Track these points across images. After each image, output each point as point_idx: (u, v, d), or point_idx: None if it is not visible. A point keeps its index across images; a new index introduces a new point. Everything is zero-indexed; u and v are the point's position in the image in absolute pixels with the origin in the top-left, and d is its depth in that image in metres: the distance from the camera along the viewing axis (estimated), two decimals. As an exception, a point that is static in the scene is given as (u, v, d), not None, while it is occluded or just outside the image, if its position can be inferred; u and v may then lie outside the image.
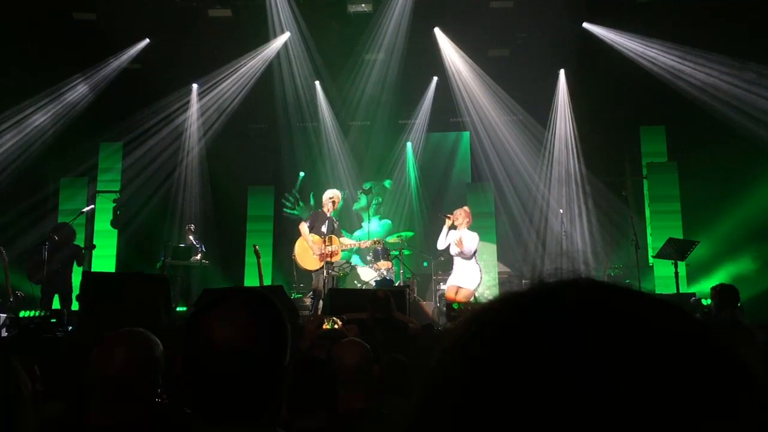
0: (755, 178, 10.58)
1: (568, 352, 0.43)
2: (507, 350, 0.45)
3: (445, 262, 11.55)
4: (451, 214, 9.17)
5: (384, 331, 5.31)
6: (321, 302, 8.82)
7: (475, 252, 9.04)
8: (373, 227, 12.73)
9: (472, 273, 9.00)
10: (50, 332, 7.21)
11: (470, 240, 9.00)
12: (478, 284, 9.06)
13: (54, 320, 7.66)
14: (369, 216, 12.62)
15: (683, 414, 0.41)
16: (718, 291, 5.94)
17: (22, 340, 6.87)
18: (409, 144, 13.59)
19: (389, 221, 13.27)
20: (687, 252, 8.85)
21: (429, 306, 10.16)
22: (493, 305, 0.50)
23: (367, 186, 13.23)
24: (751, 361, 0.47)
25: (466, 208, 9.38)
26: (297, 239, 9.88)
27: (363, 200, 13.29)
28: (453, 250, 9.12)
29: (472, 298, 8.94)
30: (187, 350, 1.31)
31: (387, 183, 13.59)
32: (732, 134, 10.63)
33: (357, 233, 12.71)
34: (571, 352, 0.43)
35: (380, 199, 13.14)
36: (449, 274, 10.69)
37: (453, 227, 9.11)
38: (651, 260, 11.12)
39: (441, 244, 9.23)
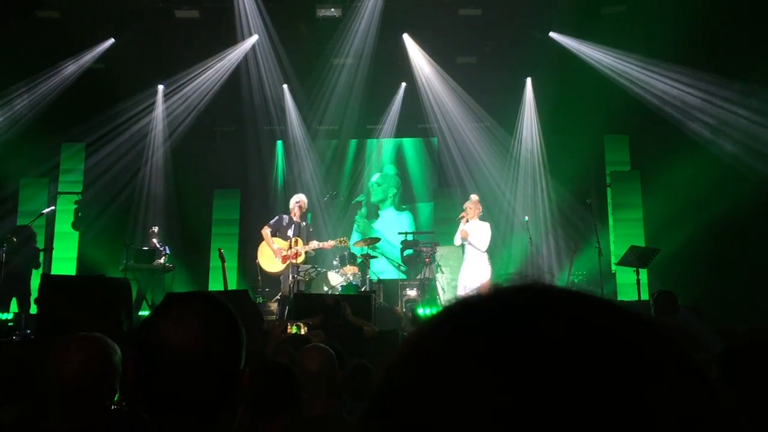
0: (715, 188, 10.80)
1: (510, 355, 0.44)
2: (451, 353, 0.46)
3: (413, 269, 11.61)
4: (464, 211, 9.20)
5: (338, 336, 5.30)
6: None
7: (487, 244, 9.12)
8: (390, 216, 13.07)
9: (482, 268, 8.98)
10: (6, 336, 7.06)
11: (483, 231, 9.07)
12: (487, 278, 9.01)
13: (11, 324, 7.51)
14: (385, 206, 13.22)
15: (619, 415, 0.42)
16: (655, 298, 5.82)
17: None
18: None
19: (408, 212, 13.54)
20: (648, 260, 9.00)
21: (398, 311, 10.19)
22: (446, 309, 0.50)
23: (374, 181, 13.59)
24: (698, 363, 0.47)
25: (473, 197, 9.42)
26: (259, 243, 9.84)
27: (379, 193, 13.52)
28: (457, 241, 9.20)
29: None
30: (139, 354, 1.30)
31: (389, 169, 13.67)
32: (693, 144, 10.86)
33: (374, 224, 13.30)
34: (514, 354, 0.44)
35: (395, 190, 13.40)
36: (416, 281, 10.73)
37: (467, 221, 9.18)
38: (614, 267, 11.28)
39: (456, 241, 9.27)
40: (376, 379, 0.49)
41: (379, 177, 13.67)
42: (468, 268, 9.10)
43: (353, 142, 13.72)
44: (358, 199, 13.38)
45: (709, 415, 0.44)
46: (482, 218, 9.27)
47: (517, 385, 0.42)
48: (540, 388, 0.42)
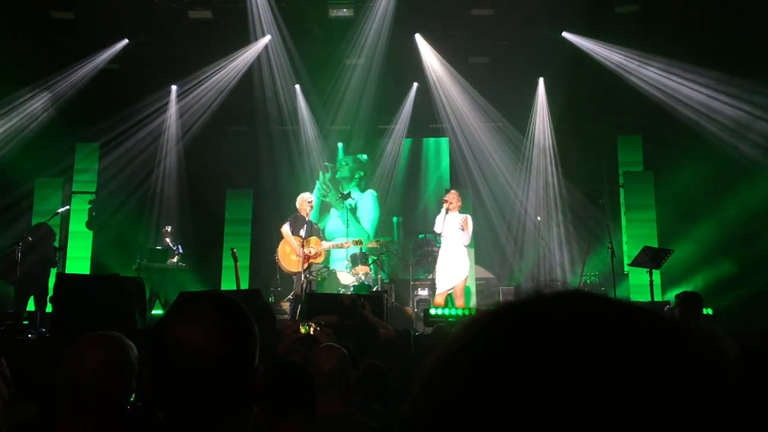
0: (729, 188, 10.73)
1: (556, 366, 0.44)
2: (495, 361, 0.46)
3: (423, 268, 11.60)
4: (446, 200, 9.21)
5: (353, 336, 5.30)
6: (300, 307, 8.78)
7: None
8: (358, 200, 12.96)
9: (462, 259, 9.02)
10: (22, 334, 7.11)
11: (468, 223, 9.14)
12: (468, 270, 9.14)
13: (26, 322, 7.57)
14: (347, 187, 13.01)
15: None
16: (681, 299, 5.83)
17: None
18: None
19: (374, 192, 13.43)
20: (662, 260, 8.94)
21: (408, 311, 10.20)
22: (486, 315, 0.51)
23: (345, 162, 13.56)
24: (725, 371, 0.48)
25: (454, 191, 9.43)
26: (278, 242, 9.82)
27: (346, 171, 13.53)
28: (446, 231, 9.11)
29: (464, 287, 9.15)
30: (153, 354, 1.31)
31: (362, 157, 13.65)
32: (706, 144, 10.79)
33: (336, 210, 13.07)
34: (560, 365, 0.44)
35: (362, 173, 13.37)
36: (428, 281, 10.73)
37: (447, 211, 9.14)
38: (626, 268, 11.21)
39: (438, 228, 9.18)
40: (396, 379, 0.50)
41: (350, 157, 13.65)
42: (446, 260, 9.08)
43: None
44: (326, 164, 13.37)
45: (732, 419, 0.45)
46: (462, 212, 9.24)
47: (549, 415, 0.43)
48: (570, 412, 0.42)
